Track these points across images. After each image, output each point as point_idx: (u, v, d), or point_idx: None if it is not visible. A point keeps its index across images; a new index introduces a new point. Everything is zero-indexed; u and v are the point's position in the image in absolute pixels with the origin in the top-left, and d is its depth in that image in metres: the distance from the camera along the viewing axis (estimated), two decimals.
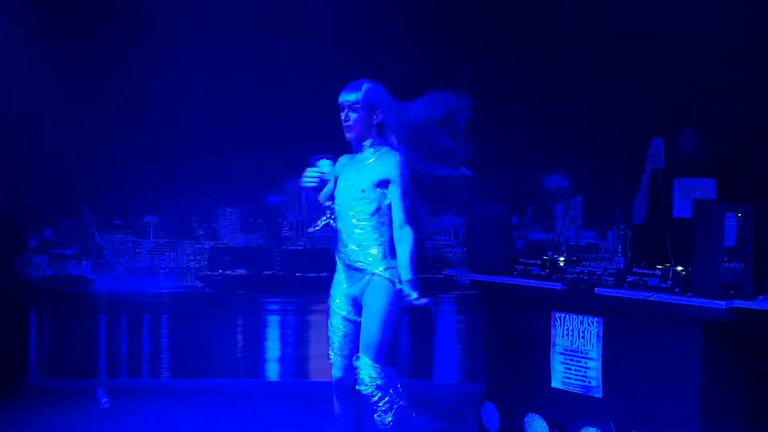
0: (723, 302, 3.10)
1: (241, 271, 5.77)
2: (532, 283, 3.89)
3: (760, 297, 3.19)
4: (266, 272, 5.76)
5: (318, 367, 5.51)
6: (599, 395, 3.62)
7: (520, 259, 4.02)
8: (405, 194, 3.25)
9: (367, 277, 3.25)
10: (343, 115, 3.26)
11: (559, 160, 5.86)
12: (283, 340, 5.80)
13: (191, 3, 5.53)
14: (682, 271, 3.33)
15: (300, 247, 5.80)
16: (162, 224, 5.78)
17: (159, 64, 5.57)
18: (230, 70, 5.62)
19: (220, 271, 5.73)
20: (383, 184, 3.24)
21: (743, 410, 3.36)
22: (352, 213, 3.27)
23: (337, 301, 3.39)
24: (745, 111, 4.85)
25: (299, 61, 5.62)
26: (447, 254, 5.70)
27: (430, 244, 5.72)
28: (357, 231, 3.26)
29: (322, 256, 5.44)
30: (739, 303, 3.12)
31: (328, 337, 3.42)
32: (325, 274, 3.66)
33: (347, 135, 3.28)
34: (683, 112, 5.05)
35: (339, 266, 3.40)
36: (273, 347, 5.80)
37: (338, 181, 3.35)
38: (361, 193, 3.24)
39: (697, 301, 3.18)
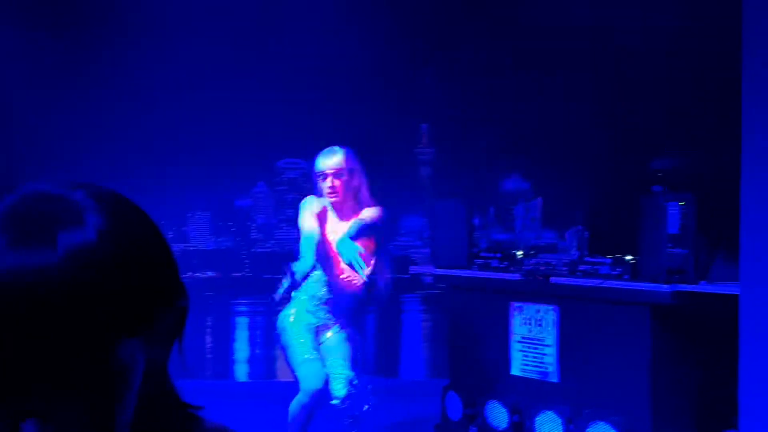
0: (668, 286, 3.31)
1: (211, 273, 5.86)
2: (492, 275, 4.06)
3: (703, 281, 3.40)
4: (235, 274, 5.85)
5: (286, 367, 5.61)
6: (556, 380, 3.79)
7: (480, 253, 4.20)
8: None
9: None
10: (328, 182, 3.35)
11: (519, 163, 6.07)
12: (252, 341, 5.88)
13: (162, 7, 5.63)
14: (631, 259, 3.53)
15: (268, 249, 5.91)
16: None
17: (127, 69, 5.65)
18: (200, 77, 5.73)
19: (190, 273, 5.81)
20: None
21: (691, 389, 3.56)
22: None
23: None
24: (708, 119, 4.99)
25: (268, 68, 5.76)
26: (412, 255, 5.86)
27: (395, 245, 5.87)
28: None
29: (290, 257, 5.55)
30: (683, 287, 3.32)
31: (290, 348, 3.37)
32: None
33: (332, 200, 3.37)
34: (640, 118, 5.29)
35: (304, 304, 3.43)
36: (242, 348, 5.88)
37: (331, 231, 3.40)
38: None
39: (644, 286, 3.38)
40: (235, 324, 5.89)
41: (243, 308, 5.87)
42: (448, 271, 4.28)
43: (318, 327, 3.41)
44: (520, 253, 4.10)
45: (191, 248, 5.86)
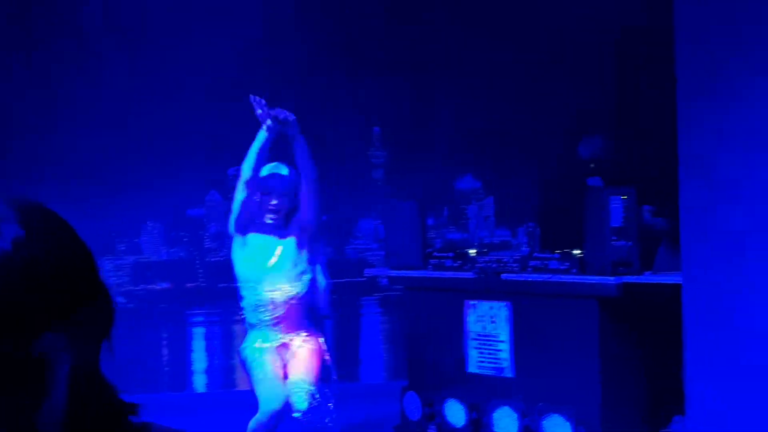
0: (613, 278, 3.39)
1: (165, 285, 5.79)
2: (446, 274, 4.10)
3: (647, 272, 3.50)
4: (189, 284, 5.79)
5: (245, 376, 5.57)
6: (511, 375, 3.85)
7: (434, 253, 4.24)
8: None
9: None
10: (273, 200, 3.32)
11: (471, 164, 6.14)
12: (209, 351, 5.83)
13: (116, 19, 5.56)
14: (579, 253, 3.60)
15: (222, 258, 5.86)
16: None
17: (79, 78, 5.56)
18: (150, 85, 5.66)
19: (143, 285, 5.74)
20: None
21: (640, 377, 3.65)
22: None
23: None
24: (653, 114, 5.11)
25: (218, 75, 5.72)
26: (368, 257, 5.88)
27: (350, 248, 5.88)
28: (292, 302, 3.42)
29: None
30: (628, 278, 3.41)
31: (251, 369, 3.36)
32: None
33: (271, 218, 3.33)
34: (585, 117, 5.40)
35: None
36: (199, 359, 5.82)
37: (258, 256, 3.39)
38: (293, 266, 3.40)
39: (591, 279, 3.46)
40: (192, 334, 5.82)
41: (199, 318, 5.82)
42: (403, 272, 4.31)
43: (277, 347, 3.41)
44: (472, 251, 4.15)
45: (144, 260, 5.78)
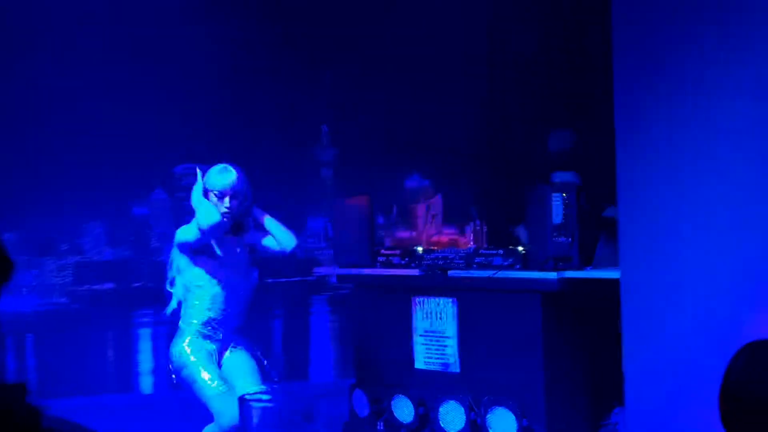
0: (555, 273, 3.47)
1: (109, 285, 5.69)
2: (394, 271, 4.14)
3: (588, 267, 3.60)
4: (135, 284, 5.71)
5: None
6: (457, 371, 3.91)
7: (382, 251, 4.27)
8: None
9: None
10: (226, 202, 3.32)
11: (419, 163, 6.20)
12: (156, 352, 5.75)
13: (61, 13, 5.44)
14: (522, 249, 3.68)
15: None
16: (22, 241, 5.59)
17: (17, 76, 5.43)
18: (92, 84, 5.56)
19: (87, 286, 5.63)
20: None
21: (583, 370, 3.75)
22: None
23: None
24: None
25: (162, 72, 5.65)
26: (317, 256, 5.88)
27: (300, 248, 5.87)
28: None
29: None
30: (569, 273, 3.50)
31: (197, 383, 3.30)
32: None
33: (224, 220, 3.33)
34: (534, 114, 5.50)
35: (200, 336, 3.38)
36: (146, 360, 5.73)
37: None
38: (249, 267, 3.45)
39: (533, 275, 3.54)
40: (138, 335, 5.74)
41: (145, 319, 5.73)
42: (351, 270, 4.33)
43: (218, 350, 3.39)
44: (420, 248, 4.20)
45: (86, 260, 5.67)
